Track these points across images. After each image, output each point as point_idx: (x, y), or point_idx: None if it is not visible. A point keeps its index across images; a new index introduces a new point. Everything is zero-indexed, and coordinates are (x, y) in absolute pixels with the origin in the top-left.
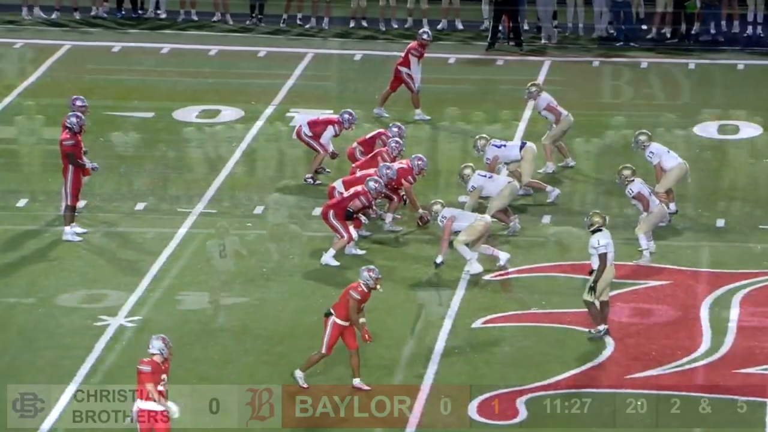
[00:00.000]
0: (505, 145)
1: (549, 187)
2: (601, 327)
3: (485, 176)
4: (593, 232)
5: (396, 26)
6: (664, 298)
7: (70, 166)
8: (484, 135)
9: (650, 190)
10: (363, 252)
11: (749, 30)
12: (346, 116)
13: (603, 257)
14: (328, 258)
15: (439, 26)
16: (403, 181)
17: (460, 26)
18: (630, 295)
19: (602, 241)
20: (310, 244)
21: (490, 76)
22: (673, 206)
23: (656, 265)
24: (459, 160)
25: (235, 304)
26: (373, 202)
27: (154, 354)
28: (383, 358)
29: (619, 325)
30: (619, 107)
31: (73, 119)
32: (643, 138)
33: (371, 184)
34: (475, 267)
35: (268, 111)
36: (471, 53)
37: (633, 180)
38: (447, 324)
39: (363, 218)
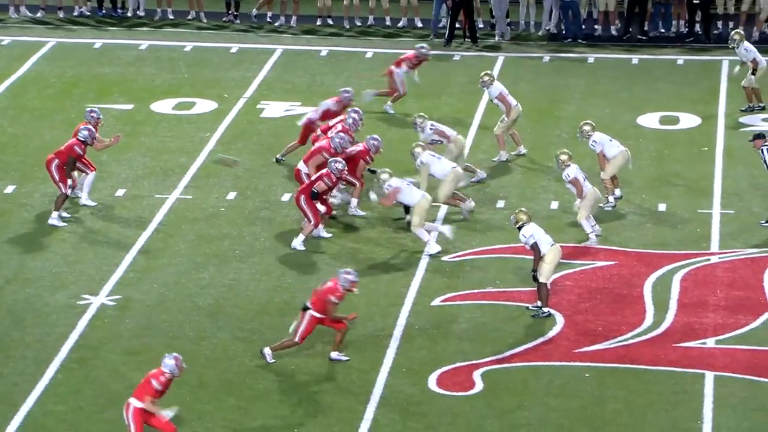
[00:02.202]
0: (439, 159)
1: (465, 204)
2: (546, 309)
3: (434, 156)
4: (519, 228)
5: (359, 24)
6: (610, 278)
7: (59, 163)
8: (422, 113)
9: (585, 175)
10: (330, 235)
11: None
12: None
13: (534, 247)
14: (298, 243)
15: (400, 24)
16: (361, 161)
17: (419, 23)
18: (578, 275)
19: (527, 233)
20: (281, 227)
21: (448, 71)
22: (618, 192)
23: (602, 247)
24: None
25: (210, 284)
26: (337, 184)
27: (165, 372)
28: (349, 334)
29: (568, 302)
30: (568, 100)
31: (86, 132)
32: (587, 128)
33: (333, 165)
34: (433, 248)
35: (240, 103)
36: (431, 50)
37: (569, 165)
38: (408, 302)
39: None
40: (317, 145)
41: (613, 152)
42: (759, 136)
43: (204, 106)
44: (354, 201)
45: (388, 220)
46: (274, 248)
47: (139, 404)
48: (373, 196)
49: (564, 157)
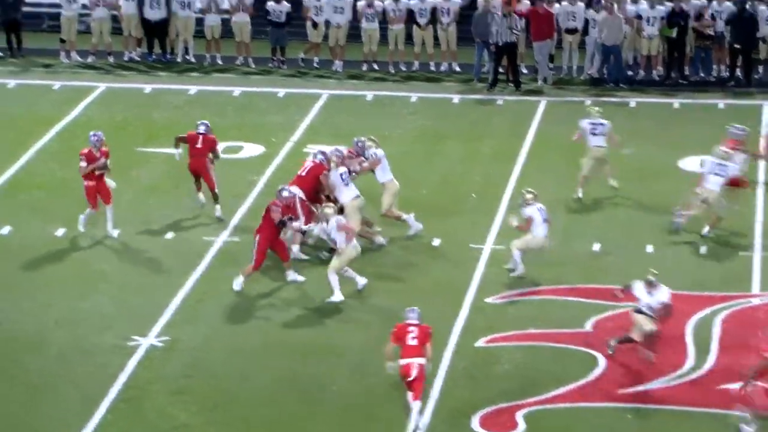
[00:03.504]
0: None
1: (412, 224)
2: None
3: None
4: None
5: (404, 69)
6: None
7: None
8: (374, 138)
9: (545, 217)
10: (303, 279)
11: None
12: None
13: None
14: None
15: (442, 68)
16: (320, 177)
17: (457, 68)
18: (620, 316)
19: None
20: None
21: (491, 115)
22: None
23: None
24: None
25: (255, 326)
26: (295, 211)
27: None
28: (392, 376)
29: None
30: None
31: (93, 138)
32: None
33: (280, 193)
34: (337, 296)
35: (287, 147)
36: (474, 93)
37: (531, 204)
38: (451, 343)
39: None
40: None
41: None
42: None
43: (251, 149)
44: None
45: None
46: (318, 291)
47: None
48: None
49: (529, 196)
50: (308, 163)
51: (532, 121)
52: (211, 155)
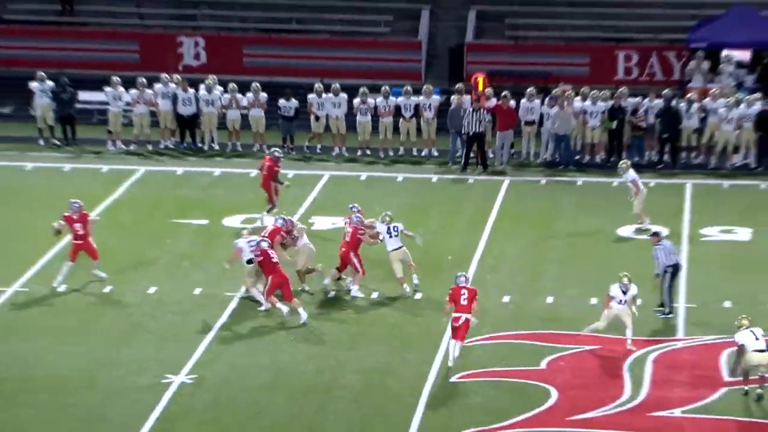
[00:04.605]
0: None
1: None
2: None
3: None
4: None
5: (392, 154)
6: (596, 359)
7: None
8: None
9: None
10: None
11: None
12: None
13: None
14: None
15: (423, 153)
16: (276, 237)
17: (435, 153)
18: (570, 357)
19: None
20: (325, 317)
21: (464, 191)
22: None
23: (591, 334)
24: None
25: (268, 364)
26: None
27: None
28: (382, 406)
29: (563, 380)
30: (561, 215)
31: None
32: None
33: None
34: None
35: (295, 218)
36: (449, 174)
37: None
38: (432, 378)
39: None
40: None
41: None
42: (655, 234)
43: (266, 220)
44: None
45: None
46: (324, 333)
47: None
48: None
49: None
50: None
51: (498, 196)
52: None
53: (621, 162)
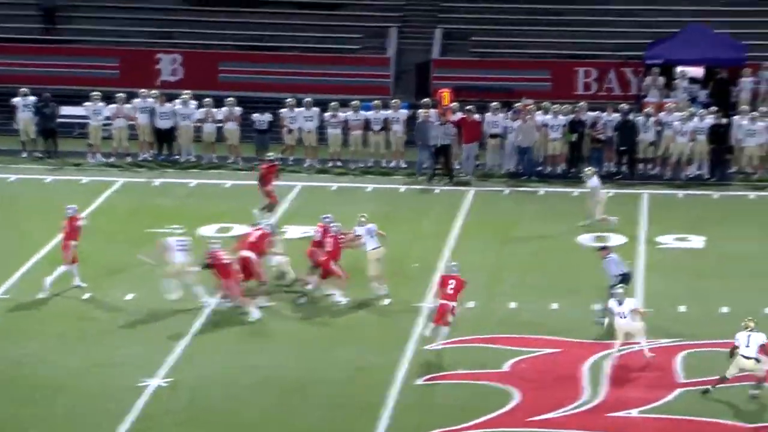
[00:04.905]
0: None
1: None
2: None
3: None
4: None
5: (362, 165)
6: (556, 361)
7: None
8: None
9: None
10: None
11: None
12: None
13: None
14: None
15: (392, 164)
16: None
17: (403, 165)
18: (533, 360)
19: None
20: (297, 324)
21: (431, 201)
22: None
23: (552, 338)
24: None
25: (241, 369)
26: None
27: None
28: (349, 407)
29: (523, 381)
30: (523, 222)
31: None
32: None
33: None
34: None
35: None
36: (416, 185)
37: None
38: (398, 381)
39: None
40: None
41: None
42: (603, 248)
43: (240, 229)
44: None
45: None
46: (297, 336)
47: None
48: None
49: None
50: (256, 231)
51: (463, 206)
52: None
53: (586, 169)
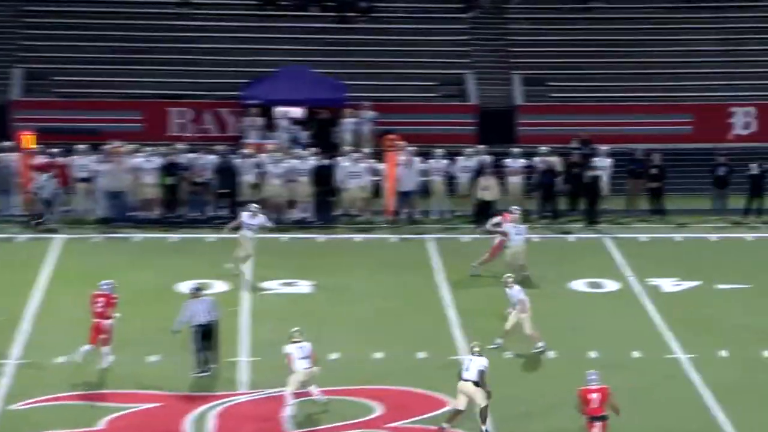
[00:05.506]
0: None
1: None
2: None
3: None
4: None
5: None
6: (156, 416)
7: None
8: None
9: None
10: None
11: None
12: None
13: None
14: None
15: None
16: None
17: None
18: (131, 416)
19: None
20: None
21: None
22: None
23: (149, 392)
24: None
25: None
26: None
27: None
28: None
29: None
30: (116, 271)
31: None
32: None
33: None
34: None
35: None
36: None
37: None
38: None
39: None
40: None
41: None
42: (197, 288)
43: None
44: None
45: None
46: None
47: None
48: None
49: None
50: None
51: (51, 255)
52: None
53: (507, 275)
